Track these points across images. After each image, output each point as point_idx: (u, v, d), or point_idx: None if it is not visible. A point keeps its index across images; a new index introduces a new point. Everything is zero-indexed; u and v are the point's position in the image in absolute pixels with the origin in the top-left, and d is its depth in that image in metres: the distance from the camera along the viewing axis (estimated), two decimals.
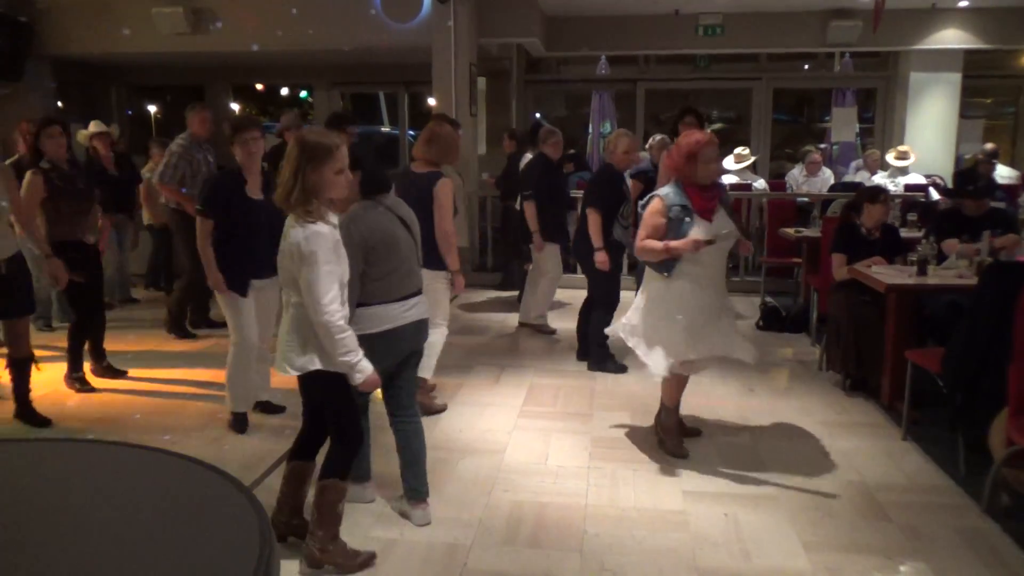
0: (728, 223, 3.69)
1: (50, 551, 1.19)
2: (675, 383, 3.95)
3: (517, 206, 6.51)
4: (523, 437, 4.16)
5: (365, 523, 3.21)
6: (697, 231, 3.59)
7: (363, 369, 2.71)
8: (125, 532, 1.25)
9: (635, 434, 4.22)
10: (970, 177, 5.17)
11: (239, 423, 4.22)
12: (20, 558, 1.16)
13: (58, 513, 1.32)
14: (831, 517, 3.32)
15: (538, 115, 11.37)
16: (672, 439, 3.95)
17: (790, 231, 6.75)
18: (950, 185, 8.34)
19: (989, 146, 8.29)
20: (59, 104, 10.20)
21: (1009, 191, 7.30)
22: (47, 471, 1.51)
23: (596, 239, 5.10)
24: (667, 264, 3.67)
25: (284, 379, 2.99)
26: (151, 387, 5.04)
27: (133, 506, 1.34)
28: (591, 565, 2.94)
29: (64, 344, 4.94)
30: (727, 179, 8.59)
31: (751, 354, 3.82)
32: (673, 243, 3.60)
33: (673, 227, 3.64)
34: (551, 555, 3.02)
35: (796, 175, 9.25)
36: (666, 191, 3.72)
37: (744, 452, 3.98)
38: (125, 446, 1.56)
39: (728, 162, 8.73)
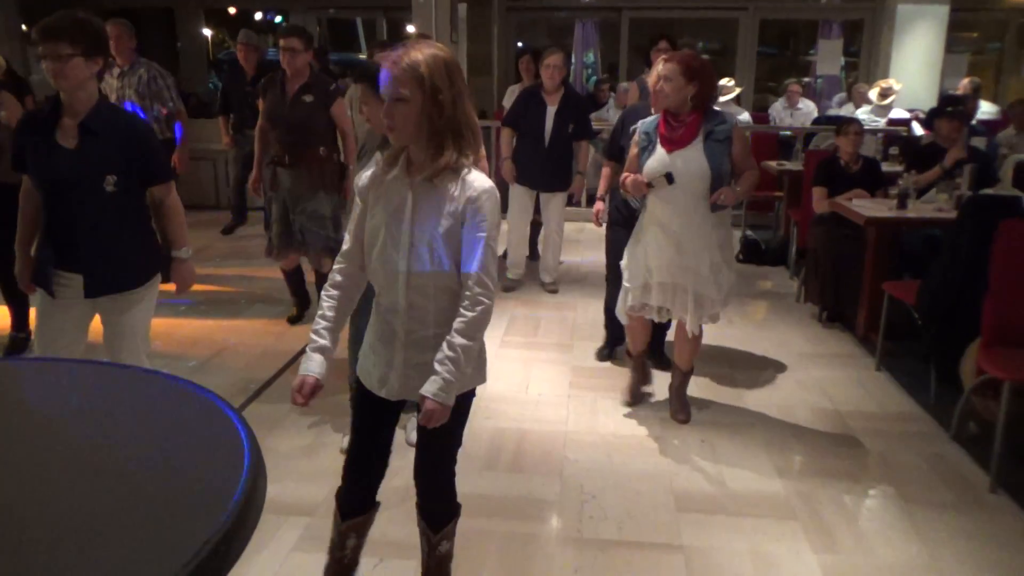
0: (690, 163, 3.20)
1: (33, 468, 1.19)
2: (636, 328, 3.69)
3: None
4: (504, 367, 4.19)
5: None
6: (651, 162, 3.27)
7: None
8: (110, 450, 1.26)
9: (615, 364, 4.27)
10: (954, 100, 5.18)
11: None
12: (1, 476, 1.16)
13: (41, 430, 1.32)
14: (804, 444, 3.41)
15: (520, 44, 11.14)
16: (628, 387, 3.82)
17: (772, 164, 6.73)
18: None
19: (970, 80, 8.23)
20: (23, 26, 9.81)
21: (991, 126, 7.30)
22: (31, 390, 1.50)
23: (600, 187, 4.40)
24: (642, 200, 3.40)
25: None
26: None
27: (118, 424, 1.34)
28: (571, 489, 3.01)
29: None
30: None
31: (720, 291, 3.36)
32: (624, 181, 3.35)
33: (640, 158, 3.34)
34: (532, 480, 3.08)
35: (779, 108, 9.19)
36: (645, 120, 3.47)
37: (721, 381, 4.05)
38: (110, 365, 1.55)
39: None
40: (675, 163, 3.22)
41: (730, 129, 3.26)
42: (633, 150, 3.43)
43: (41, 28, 2.50)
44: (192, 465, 1.21)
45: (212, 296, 5.36)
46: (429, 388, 1.87)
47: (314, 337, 1.98)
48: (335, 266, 2.04)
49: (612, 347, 4.38)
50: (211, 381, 3.85)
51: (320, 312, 2.01)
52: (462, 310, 1.89)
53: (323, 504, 2.84)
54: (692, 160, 3.22)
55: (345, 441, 3.26)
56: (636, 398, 3.81)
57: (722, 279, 3.36)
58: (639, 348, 3.80)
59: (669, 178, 3.19)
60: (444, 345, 1.89)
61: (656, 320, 3.58)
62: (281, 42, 4.25)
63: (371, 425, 2.15)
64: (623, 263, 3.55)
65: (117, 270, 2.72)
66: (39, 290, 2.76)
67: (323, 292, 2.03)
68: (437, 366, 1.88)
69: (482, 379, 2.11)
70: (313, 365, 1.95)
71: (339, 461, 3.07)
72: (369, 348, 2.07)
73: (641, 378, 3.86)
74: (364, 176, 1.99)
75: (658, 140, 3.30)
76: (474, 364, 1.97)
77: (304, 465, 3.16)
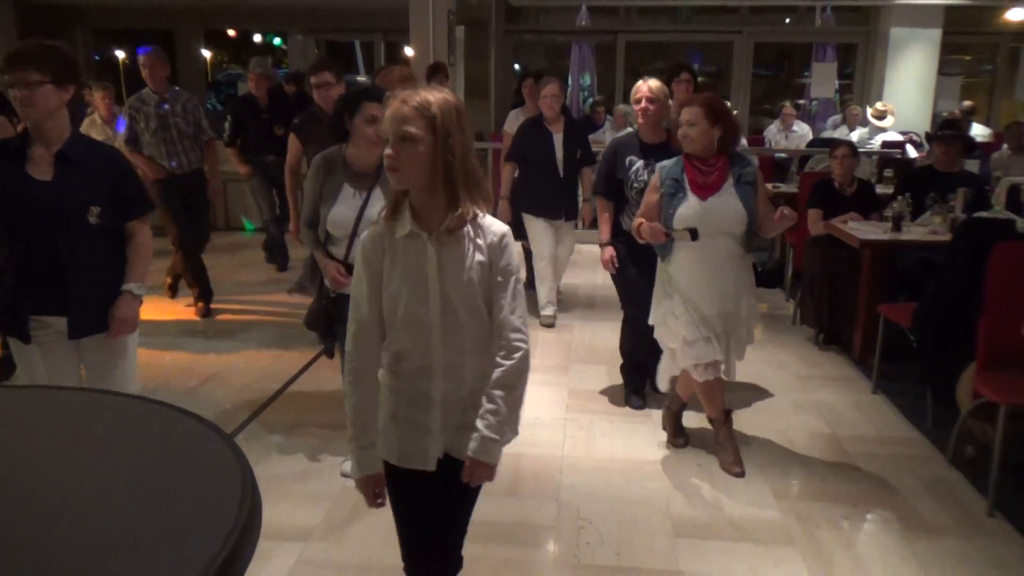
0: (727, 208, 3.13)
1: (23, 497, 1.18)
2: (711, 389, 3.38)
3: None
4: None
5: (342, 477, 3.22)
6: (684, 209, 3.14)
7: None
8: (103, 478, 1.25)
9: (612, 387, 4.26)
10: (952, 125, 5.24)
11: None
12: None
13: (31, 459, 1.31)
14: (801, 467, 3.39)
15: (517, 66, 11.24)
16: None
17: (767, 187, 6.77)
18: (925, 143, 8.43)
19: (966, 104, 8.34)
20: None
21: (984, 148, 7.36)
22: (19, 418, 1.49)
23: (602, 232, 4.00)
24: (662, 247, 3.26)
25: None
26: None
27: (109, 452, 1.33)
28: (567, 514, 2.99)
29: None
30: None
31: (749, 333, 3.34)
32: (639, 227, 3.20)
33: (665, 204, 3.20)
34: (528, 504, 3.07)
35: (774, 131, 9.27)
36: (665, 163, 3.30)
37: None
38: (102, 393, 1.54)
39: None
40: (711, 209, 3.13)
41: (755, 172, 3.22)
42: (653, 196, 3.27)
43: (9, 55, 2.39)
44: (186, 493, 1.20)
45: (204, 322, 5.36)
46: (472, 447, 1.79)
47: (360, 433, 1.84)
48: (352, 348, 1.83)
49: (638, 392, 4.07)
50: (203, 407, 3.85)
51: (354, 402, 1.83)
52: (499, 359, 1.80)
53: (318, 529, 2.82)
54: (728, 205, 3.15)
55: (345, 465, 3.24)
56: (740, 463, 3.37)
57: (751, 322, 3.32)
58: (718, 410, 3.45)
59: (693, 234, 3.06)
60: (484, 399, 1.79)
61: (725, 377, 3.36)
62: (313, 79, 4.14)
63: (419, 506, 1.94)
64: (652, 320, 3.39)
65: (106, 307, 2.55)
66: (9, 339, 2.54)
67: (348, 381, 1.85)
68: (479, 423, 1.78)
69: (514, 432, 1.92)
70: (374, 462, 1.86)
71: (335, 485, 3.06)
72: (391, 420, 1.87)
73: (731, 438, 3.45)
74: (365, 239, 1.82)
75: (688, 187, 3.18)
76: (518, 415, 1.86)
77: (299, 489, 3.14)
